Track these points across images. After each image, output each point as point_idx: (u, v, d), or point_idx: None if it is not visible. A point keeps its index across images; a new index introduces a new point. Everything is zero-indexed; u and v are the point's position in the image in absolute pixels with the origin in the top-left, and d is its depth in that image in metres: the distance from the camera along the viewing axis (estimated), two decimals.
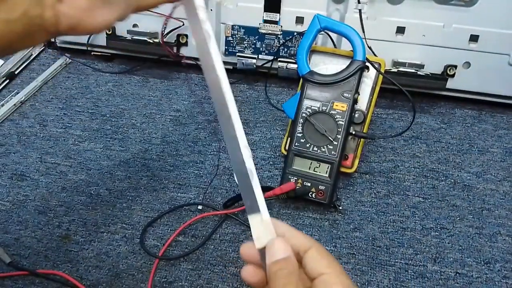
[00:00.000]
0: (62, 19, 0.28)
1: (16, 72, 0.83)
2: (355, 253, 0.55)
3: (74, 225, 0.58)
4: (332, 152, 0.57)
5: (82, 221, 0.59)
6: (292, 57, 0.74)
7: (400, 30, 0.70)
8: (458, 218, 0.59)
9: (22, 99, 0.77)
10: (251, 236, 0.30)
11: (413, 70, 0.70)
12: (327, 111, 0.58)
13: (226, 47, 0.77)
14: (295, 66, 0.74)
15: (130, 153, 0.68)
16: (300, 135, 0.59)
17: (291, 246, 0.29)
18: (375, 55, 0.68)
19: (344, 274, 0.28)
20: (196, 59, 0.79)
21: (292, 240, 0.30)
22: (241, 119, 0.30)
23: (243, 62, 0.77)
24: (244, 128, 0.30)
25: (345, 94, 0.57)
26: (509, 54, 0.68)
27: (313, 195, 0.58)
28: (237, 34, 0.76)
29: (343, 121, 0.57)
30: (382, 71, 0.60)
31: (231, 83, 0.28)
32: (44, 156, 0.67)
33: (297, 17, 0.72)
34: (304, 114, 0.59)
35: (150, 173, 0.65)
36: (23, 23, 0.27)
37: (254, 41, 0.75)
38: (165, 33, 0.74)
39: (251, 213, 0.30)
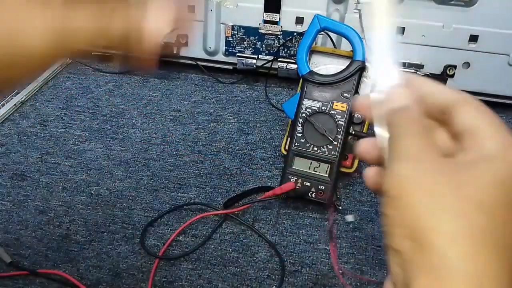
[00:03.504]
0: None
1: None
2: (355, 253, 0.55)
3: (75, 225, 0.58)
4: (332, 152, 0.57)
5: (82, 221, 0.59)
6: (292, 57, 0.74)
7: (400, 30, 0.70)
8: None
9: (22, 99, 0.77)
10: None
11: (412, 70, 0.70)
12: (327, 111, 0.58)
13: (226, 47, 0.77)
14: (295, 66, 0.74)
15: (130, 153, 0.68)
16: (300, 135, 0.59)
17: (433, 104, 0.24)
18: None
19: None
20: (196, 59, 0.79)
21: (434, 97, 0.24)
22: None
23: (243, 62, 0.77)
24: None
25: (345, 94, 0.58)
26: (509, 54, 0.68)
27: (313, 195, 0.58)
28: (237, 34, 0.76)
29: (343, 121, 0.57)
30: None
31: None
32: (44, 156, 0.68)
33: (297, 17, 0.72)
34: (304, 114, 0.59)
35: (150, 173, 0.65)
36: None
37: (254, 41, 0.75)
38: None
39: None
